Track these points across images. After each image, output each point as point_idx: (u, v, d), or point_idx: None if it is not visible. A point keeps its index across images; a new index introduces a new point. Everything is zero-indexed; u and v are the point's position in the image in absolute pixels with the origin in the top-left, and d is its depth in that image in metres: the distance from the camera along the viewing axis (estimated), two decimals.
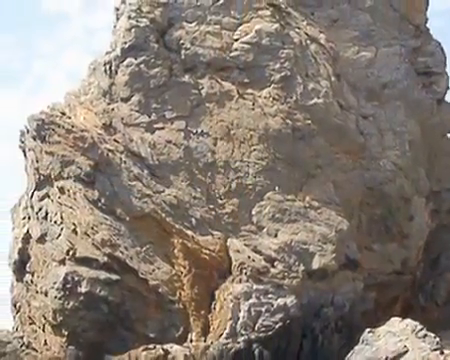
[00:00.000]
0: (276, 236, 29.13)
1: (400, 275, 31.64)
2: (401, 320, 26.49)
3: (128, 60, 30.54)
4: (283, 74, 30.23)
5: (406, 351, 25.21)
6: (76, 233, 30.04)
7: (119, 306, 29.30)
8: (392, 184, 31.28)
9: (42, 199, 31.26)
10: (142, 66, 30.38)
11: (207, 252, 29.07)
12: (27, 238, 31.73)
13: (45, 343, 30.74)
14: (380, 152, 31.42)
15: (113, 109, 30.64)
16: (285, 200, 29.49)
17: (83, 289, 29.31)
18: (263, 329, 27.87)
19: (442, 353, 25.13)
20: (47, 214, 31.01)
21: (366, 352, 25.59)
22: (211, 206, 29.54)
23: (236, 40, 30.71)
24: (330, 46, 31.40)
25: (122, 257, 29.47)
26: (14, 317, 32.66)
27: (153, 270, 29.38)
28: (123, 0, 31.81)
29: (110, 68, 30.89)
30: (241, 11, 30.99)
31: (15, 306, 32.51)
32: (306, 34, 31.21)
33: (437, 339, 25.67)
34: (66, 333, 29.83)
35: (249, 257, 28.73)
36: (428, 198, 32.71)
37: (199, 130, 29.99)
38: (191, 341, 28.55)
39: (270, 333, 27.82)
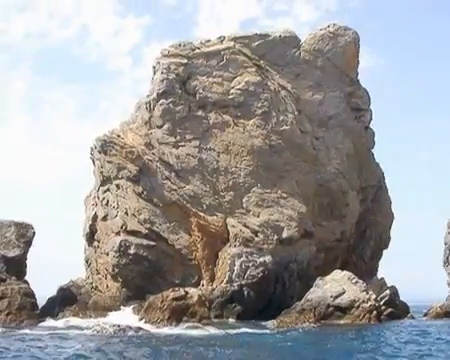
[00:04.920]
0: (258, 216, 29.12)
1: (340, 242, 31.56)
2: (341, 271, 27.24)
3: (161, 101, 30.48)
4: (263, 110, 30.08)
5: (344, 292, 25.87)
6: (127, 214, 30.22)
7: (156, 262, 29.54)
8: (335, 182, 31.08)
9: (105, 192, 31.40)
10: (170, 105, 30.31)
11: (213, 227, 29.18)
12: (95, 218, 31.95)
13: (107, 287, 31.00)
14: (327, 161, 31.17)
15: (151, 133, 30.64)
16: (264, 193, 29.45)
17: (132, 251, 29.58)
18: (250, 277, 27.97)
19: (367, 293, 25.80)
20: (108, 202, 31.18)
21: (318, 293, 26.23)
22: (216, 197, 29.55)
23: (232, 87, 30.49)
24: (294, 91, 31.11)
25: (157, 230, 29.66)
26: (86, 269, 32.88)
27: (178, 239, 29.52)
28: (158, 61, 31.60)
29: (149, 106, 30.87)
30: (236, 68, 30.77)
31: (87, 262, 32.74)
32: (278, 84, 30.97)
33: (364, 284, 26.35)
34: (121, 280, 30.18)
35: (241, 230, 28.80)
36: (358, 192, 32.55)
37: (208, 147, 29.95)
38: (203, 285, 28.75)
39: (255, 280, 27.94)
